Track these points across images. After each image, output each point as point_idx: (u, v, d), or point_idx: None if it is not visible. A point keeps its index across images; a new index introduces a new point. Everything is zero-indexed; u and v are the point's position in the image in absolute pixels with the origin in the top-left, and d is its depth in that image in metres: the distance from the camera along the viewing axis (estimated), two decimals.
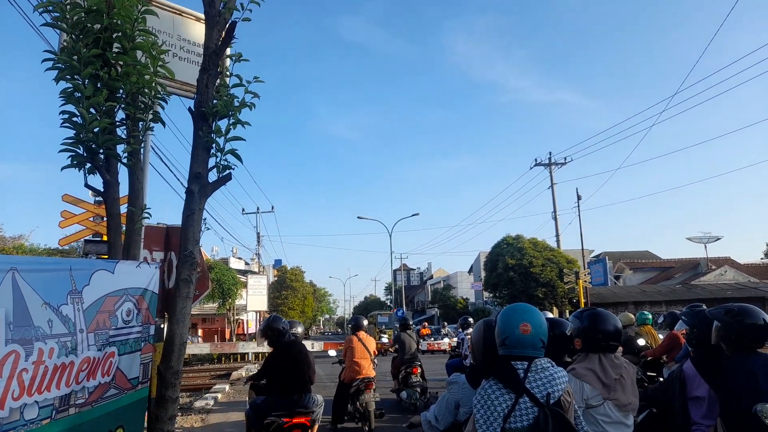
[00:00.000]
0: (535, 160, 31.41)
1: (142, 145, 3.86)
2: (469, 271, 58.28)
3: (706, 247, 38.06)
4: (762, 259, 53.16)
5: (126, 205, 3.70)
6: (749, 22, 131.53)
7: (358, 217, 39.69)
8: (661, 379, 7.14)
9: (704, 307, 4.07)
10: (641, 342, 8.49)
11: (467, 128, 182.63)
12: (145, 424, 3.31)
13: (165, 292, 4.46)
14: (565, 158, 30.97)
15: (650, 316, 9.19)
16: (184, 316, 3.24)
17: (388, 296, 79.78)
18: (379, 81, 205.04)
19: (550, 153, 31.10)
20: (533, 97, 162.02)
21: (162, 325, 3.96)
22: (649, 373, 7.72)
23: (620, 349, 8.52)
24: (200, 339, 35.58)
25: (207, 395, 11.92)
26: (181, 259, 3.23)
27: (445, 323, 37.23)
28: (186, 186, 3.27)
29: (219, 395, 12.12)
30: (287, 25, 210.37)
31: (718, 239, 38.18)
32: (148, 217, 3.73)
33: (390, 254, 40.80)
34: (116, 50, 3.31)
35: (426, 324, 32.52)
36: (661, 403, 3.65)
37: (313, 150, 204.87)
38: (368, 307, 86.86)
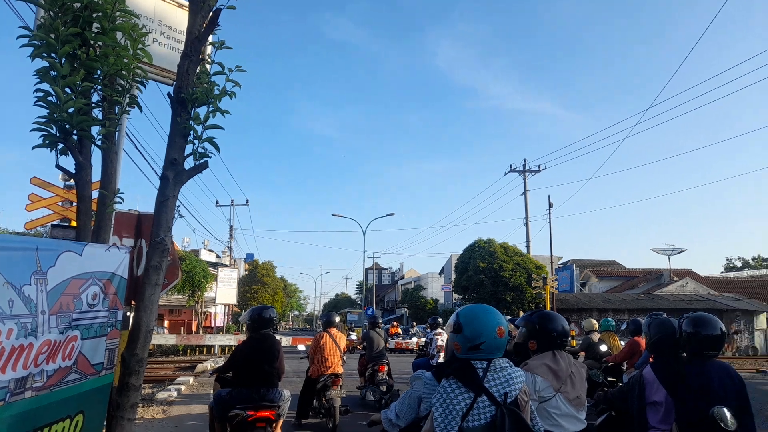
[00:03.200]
0: (510, 166, 31.80)
1: (118, 128, 3.79)
2: (440, 273, 58.63)
3: (669, 258, 39.15)
4: (722, 273, 54.95)
5: (98, 189, 3.63)
6: (724, 41, 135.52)
7: (333, 215, 39.61)
8: (621, 384, 7.32)
9: (665, 315, 4.20)
10: (603, 348, 8.69)
11: (446, 131, 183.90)
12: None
13: (133, 280, 4.40)
14: (539, 166, 31.44)
15: (613, 323, 9.42)
16: (152, 303, 3.20)
17: (359, 294, 79.76)
18: (362, 80, 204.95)
19: (525, 160, 31.55)
20: (512, 104, 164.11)
21: (128, 314, 3.90)
22: (609, 378, 7.92)
23: (582, 354, 8.78)
24: (166, 330, 35.01)
25: (170, 387, 11.72)
26: (152, 245, 3.18)
27: (414, 323, 37.47)
28: (161, 172, 3.23)
29: (183, 387, 11.95)
30: (271, 19, 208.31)
31: (682, 251, 39.32)
32: (120, 202, 3.66)
33: (363, 253, 40.80)
34: (95, 30, 3.24)
35: (395, 323, 32.65)
36: (621, 407, 3.76)
37: (291, 145, 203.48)
38: (338, 304, 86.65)
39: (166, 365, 18.51)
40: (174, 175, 3.17)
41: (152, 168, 15.49)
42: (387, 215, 39.67)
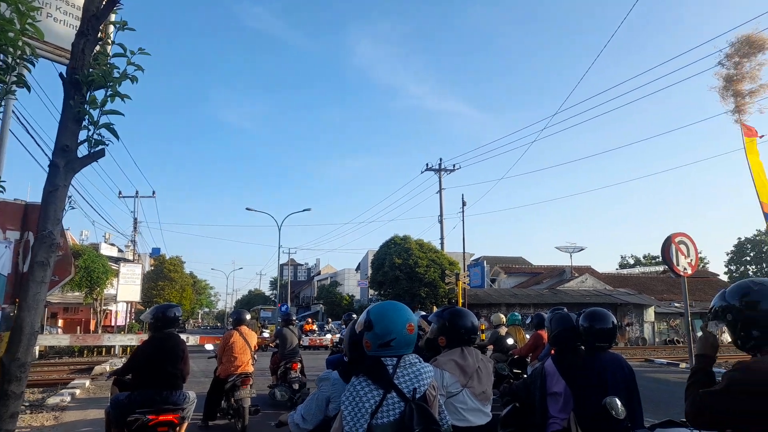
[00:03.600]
0: (427, 164, 32.48)
1: (2, 110, 3.42)
2: (357, 269, 58.89)
3: (571, 256, 41.80)
4: (617, 269, 59.49)
5: None
6: (626, 53, 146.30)
7: (247, 209, 38.73)
8: (526, 375, 7.69)
9: (566, 310, 4.44)
10: (510, 341, 9.08)
11: (364, 128, 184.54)
12: None
13: (18, 276, 4.01)
14: (454, 165, 32.36)
15: (519, 317, 9.87)
16: (37, 303, 2.91)
17: (274, 291, 78.35)
18: (280, 72, 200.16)
19: (441, 159, 32.35)
20: (429, 104, 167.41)
21: (12, 313, 3.55)
22: (515, 370, 8.29)
23: (490, 347, 9.13)
24: (60, 330, 32.53)
25: (63, 391, 10.93)
26: (39, 239, 2.90)
27: (330, 319, 37.37)
28: (50, 159, 2.94)
29: (77, 391, 11.16)
30: (183, 2, 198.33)
31: (582, 249, 42.11)
32: (1, 191, 3.31)
33: (278, 248, 40.15)
34: None
35: (310, 320, 32.39)
36: (524, 398, 3.93)
37: (203, 135, 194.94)
38: (252, 301, 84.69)
39: (59, 368, 17.25)
40: (65, 163, 2.90)
41: (46, 155, 14.22)
42: (303, 210, 39.50)
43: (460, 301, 23.19)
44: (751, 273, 59.58)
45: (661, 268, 47.30)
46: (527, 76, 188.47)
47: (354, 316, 10.67)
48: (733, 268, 62.17)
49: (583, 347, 3.58)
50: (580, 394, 3.33)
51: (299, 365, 9.61)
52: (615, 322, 3.56)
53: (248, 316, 8.44)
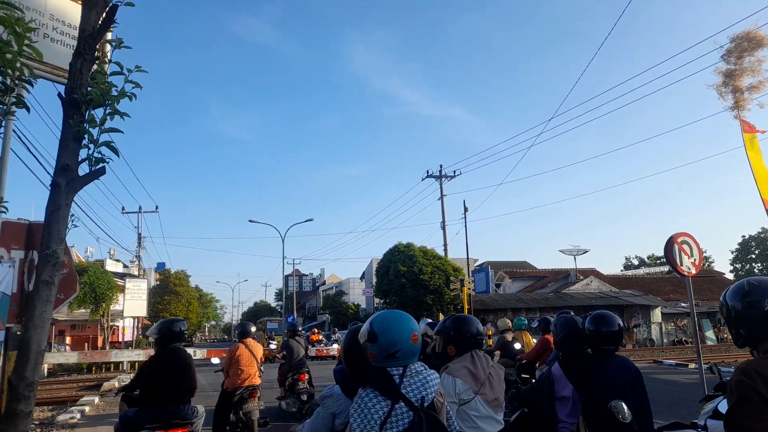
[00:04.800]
0: (427, 171, 32.52)
1: (2, 130, 3.45)
2: (361, 278, 58.78)
3: (575, 258, 41.70)
4: (621, 271, 59.26)
5: None
6: (623, 55, 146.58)
7: (250, 221, 38.84)
8: (534, 380, 7.64)
9: (572, 313, 4.43)
10: (517, 346, 9.03)
11: (363, 136, 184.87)
12: None
13: (24, 295, 4.02)
14: (454, 171, 32.40)
15: (526, 322, 9.82)
16: (44, 322, 2.92)
17: (279, 302, 78.22)
18: (276, 82, 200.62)
19: (441, 166, 32.37)
20: (425, 110, 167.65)
21: (18, 332, 3.56)
22: (523, 375, 8.23)
23: (498, 353, 9.07)
24: (68, 347, 32.54)
25: (72, 408, 10.98)
26: (42, 258, 2.91)
27: (336, 329, 37.31)
28: (52, 178, 2.96)
29: (87, 408, 11.19)
30: (180, 17, 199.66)
31: (586, 252, 42.01)
32: (4, 211, 3.34)
33: (282, 259, 40.14)
34: None
35: (316, 330, 32.32)
36: (532, 404, 3.90)
37: (203, 148, 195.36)
38: (258, 313, 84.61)
39: (68, 385, 17.25)
40: (66, 182, 2.92)
41: (48, 173, 14.29)
42: (306, 221, 39.54)
43: (466, 306, 23.11)
44: (756, 270, 59.37)
45: (666, 269, 47.04)
46: (522, 80, 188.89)
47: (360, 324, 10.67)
48: (738, 266, 61.91)
49: (589, 350, 3.56)
50: (588, 398, 3.31)
51: (307, 376, 9.60)
52: (621, 324, 3.54)
53: (253, 329, 8.44)
